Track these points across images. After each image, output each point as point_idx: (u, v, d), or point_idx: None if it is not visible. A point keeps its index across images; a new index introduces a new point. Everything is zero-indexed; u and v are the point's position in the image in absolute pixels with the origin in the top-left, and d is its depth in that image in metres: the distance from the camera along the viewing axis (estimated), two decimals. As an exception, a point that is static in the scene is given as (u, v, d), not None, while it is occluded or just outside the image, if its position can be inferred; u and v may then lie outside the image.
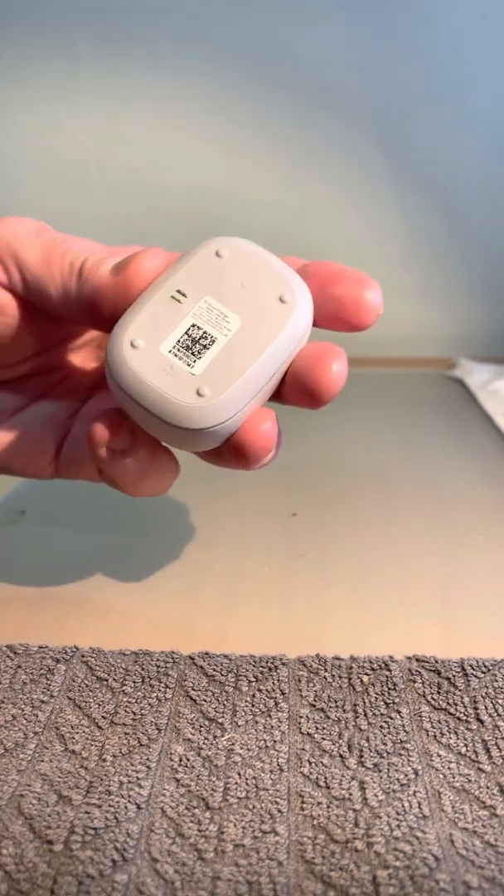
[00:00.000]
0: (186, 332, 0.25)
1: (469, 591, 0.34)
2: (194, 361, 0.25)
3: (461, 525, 0.40)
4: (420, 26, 0.65)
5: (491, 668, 0.28)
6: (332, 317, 0.27)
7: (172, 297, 0.26)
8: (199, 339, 0.26)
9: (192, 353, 0.25)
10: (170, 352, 0.25)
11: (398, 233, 0.70)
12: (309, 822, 0.22)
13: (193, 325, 0.26)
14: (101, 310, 0.27)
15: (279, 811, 0.22)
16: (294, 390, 0.26)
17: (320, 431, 0.53)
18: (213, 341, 0.25)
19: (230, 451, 0.26)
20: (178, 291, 0.26)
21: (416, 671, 0.28)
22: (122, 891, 0.20)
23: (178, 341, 0.25)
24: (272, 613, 0.32)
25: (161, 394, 0.25)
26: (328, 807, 0.22)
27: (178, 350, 0.25)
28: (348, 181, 0.69)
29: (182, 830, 0.21)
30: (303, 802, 0.22)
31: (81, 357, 0.33)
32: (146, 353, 0.25)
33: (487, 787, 0.23)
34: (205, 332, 0.26)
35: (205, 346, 0.25)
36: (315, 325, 0.27)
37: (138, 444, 0.28)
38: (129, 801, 0.22)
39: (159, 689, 0.27)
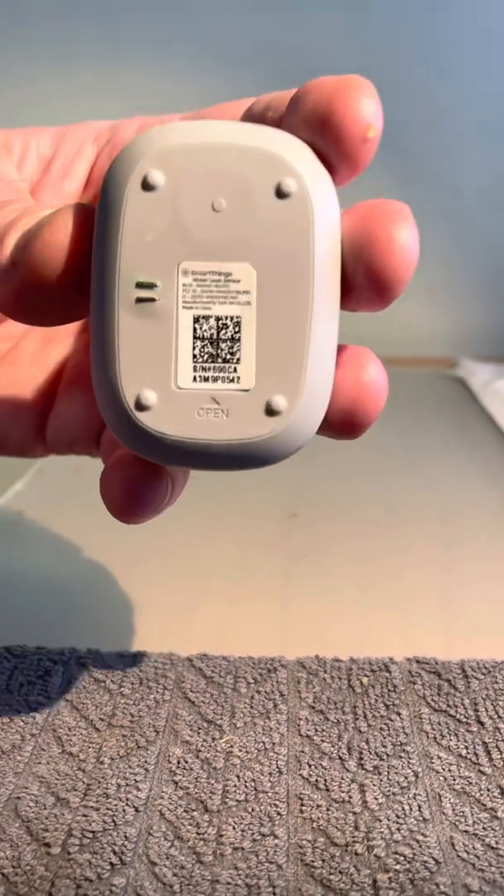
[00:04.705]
0: (195, 336, 0.17)
1: (470, 593, 0.33)
2: (234, 370, 0.17)
3: (462, 526, 0.40)
4: (423, 25, 0.65)
5: (491, 669, 0.27)
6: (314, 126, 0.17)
7: (139, 299, 0.17)
8: (220, 333, 0.17)
9: (226, 360, 0.17)
10: (195, 379, 0.17)
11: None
12: (308, 825, 0.21)
13: (197, 319, 0.17)
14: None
15: (278, 814, 0.22)
16: (352, 285, 0.18)
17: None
18: (239, 324, 0.17)
19: (332, 429, 0.19)
20: (141, 285, 0.17)
21: (416, 673, 0.27)
22: (121, 894, 0.19)
23: (196, 357, 0.17)
24: (271, 614, 0.32)
25: (222, 444, 0.17)
26: (328, 809, 0.22)
27: (206, 368, 0.17)
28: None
29: (180, 833, 0.21)
30: (302, 805, 0.22)
31: None
32: (169, 407, 0.17)
33: (488, 790, 0.23)
34: (219, 319, 0.17)
35: (233, 339, 0.17)
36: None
37: (176, 493, 0.21)
38: (127, 804, 0.22)
39: (157, 691, 0.27)
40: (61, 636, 0.30)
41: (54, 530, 0.39)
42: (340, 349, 0.18)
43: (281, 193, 0.17)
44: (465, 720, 0.25)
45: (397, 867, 0.20)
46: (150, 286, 0.17)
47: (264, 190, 0.17)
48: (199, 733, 0.25)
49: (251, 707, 0.26)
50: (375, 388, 0.18)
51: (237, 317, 0.17)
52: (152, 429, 0.17)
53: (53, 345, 0.27)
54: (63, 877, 0.20)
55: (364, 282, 0.17)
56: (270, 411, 0.17)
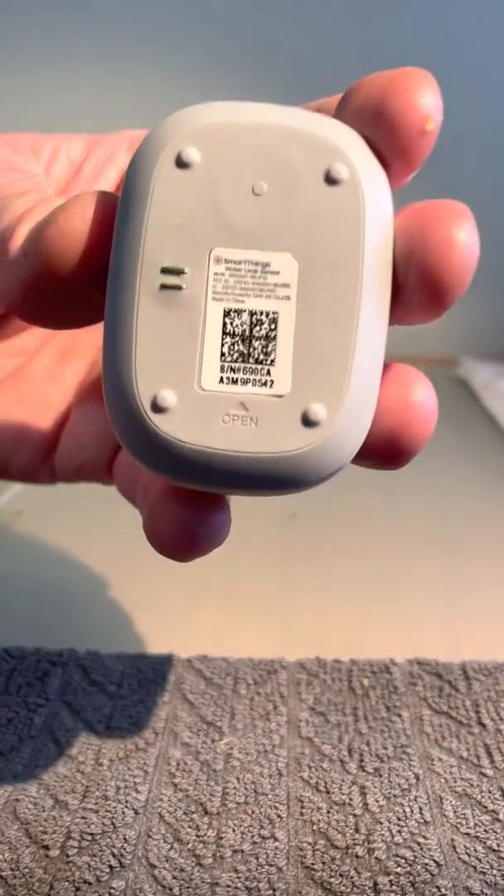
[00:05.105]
0: (225, 332, 0.15)
1: (471, 594, 0.33)
2: (268, 372, 0.15)
3: (463, 527, 0.39)
4: (423, 25, 0.65)
5: (493, 671, 0.27)
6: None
7: (163, 286, 0.15)
8: (253, 330, 0.15)
9: (258, 361, 0.15)
10: (222, 381, 0.15)
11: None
12: (309, 828, 0.21)
13: (228, 313, 0.15)
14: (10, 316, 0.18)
15: (278, 816, 0.22)
16: (402, 289, 0.16)
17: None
18: (275, 320, 0.15)
19: (371, 455, 0.17)
20: (166, 271, 0.15)
21: (418, 674, 0.27)
22: (119, 898, 0.19)
23: (224, 355, 0.15)
24: (271, 615, 0.32)
25: (248, 458, 0.15)
26: (328, 812, 0.22)
27: (234, 369, 0.15)
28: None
29: (180, 836, 0.21)
30: (302, 807, 0.22)
31: None
32: (189, 410, 0.15)
33: (489, 792, 0.23)
34: (253, 314, 0.15)
35: (268, 338, 0.15)
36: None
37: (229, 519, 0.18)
38: (126, 807, 0.22)
39: (156, 693, 0.27)
40: (60, 637, 0.30)
41: (54, 531, 0.39)
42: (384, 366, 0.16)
43: (330, 180, 0.15)
44: (466, 722, 0.25)
45: (398, 870, 0.20)
46: (177, 272, 0.15)
47: (312, 175, 0.15)
48: (198, 735, 0.25)
49: (251, 709, 0.26)
50: (424, 411, 0.16)
51: (274, 312, 0.15)
52: (168, 435, 0.15)
53: (70, 362, 0.25)
54: (62, 879, 0.20)
55: (417, 285, 0.15)
56: (307, 421, 0.15)
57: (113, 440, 0.23)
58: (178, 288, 0.15)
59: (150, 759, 0.24)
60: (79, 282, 0.16)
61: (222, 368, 0.15)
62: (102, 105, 0.67)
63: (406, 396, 0.16)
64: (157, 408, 0.15)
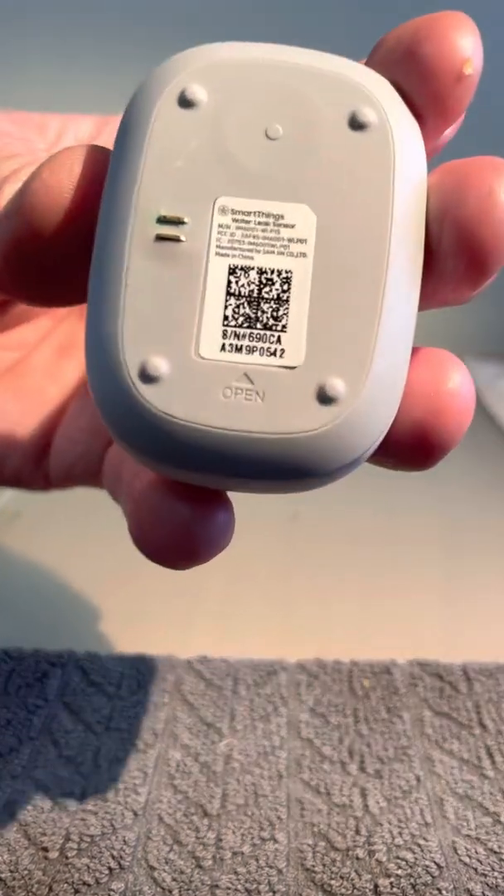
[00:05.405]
0: (229, 292, 0.13)
1: (472, 595, 0.33)
2: (278, 340, 0.13)
3: (465, 528, 0.39)
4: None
5: (494, 672, 0.27)
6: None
7: (159, 237, 0.13)
8: (262, 291, 0.13)
9: (267, 327, 0.13)
10: (224, 348, 0.13)
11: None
12: (309, 830, 0.21)
13: (234, 270, 0.13)
14: None
15: (279, 818, 0.22)
16: (435, 255, 0.14)
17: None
18: (288, 280, 0.13)
19: (394, 451, 0.15)
20: (163, 220, 0.13)
21: (418, 675, 0.27)
22: (118, 900, 0.19)
23: (228, 319, 0.13)
24: (272, 616, 0.32)
25: (253, 438, 0.13)
26: (328, 814, 0.22)
27: (239, 335, 0.13)
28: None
29: (180, 838, 0.21)
30: (303, 809, 0.22)
31: None
32: (184, 381, 0.13)
33: (491, 794, 0.22)
34: (262, 273, 0.13)
35: (280, 300, 0.13)
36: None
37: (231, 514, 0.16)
38: (125, 808, 0.22)
39: (156, 694, 0.26)
40: (59, 638, 0.30)
41: (52, 532, 0.39)
42: (413, 348, 0.14)
43: (355, 124, 0.13)
44: (467, 723, 0.25)
45: (399, 872, 0.20)
46: (176, 222, 0.13)
47: (334, 118, 0.13)
48: (198, 736, 0.25)
49: (251, 710, 0.26)
50: (461, 400, 0.14)
51: (287, 271, 0.13)
52: (158, 409, 0.13)
53: (71, 356, 0.24)
54: (61, 881, 0.20)
55: (452, 248, 0.13)
56: (323, 398, 0.13)
57: (105, 435, 0.21)
58: (177, 240, 0.13)
59: (150, 760, 0.24)
60: (65, 242, 0.14)
61: (225, 334, 0.13)
62: (103, 105, 0.67)
63: (440, 382, 0.14)
64: (147, 377, 0.13)
